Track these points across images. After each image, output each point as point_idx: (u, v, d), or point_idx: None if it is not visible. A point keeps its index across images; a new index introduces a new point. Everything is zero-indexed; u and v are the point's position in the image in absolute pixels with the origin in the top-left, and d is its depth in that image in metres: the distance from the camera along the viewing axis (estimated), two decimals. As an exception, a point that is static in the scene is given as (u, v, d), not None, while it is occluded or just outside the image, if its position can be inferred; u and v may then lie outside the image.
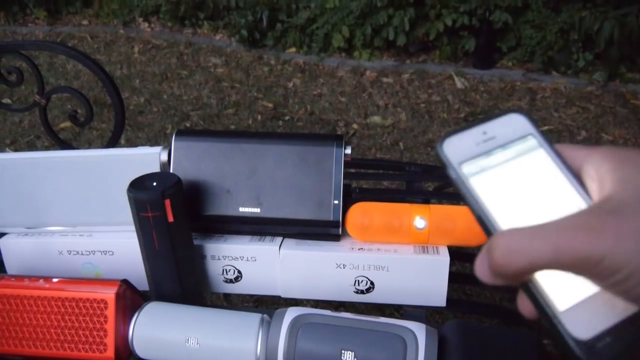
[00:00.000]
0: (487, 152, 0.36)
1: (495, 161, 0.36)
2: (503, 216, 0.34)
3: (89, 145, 2.68)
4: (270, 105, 3.12)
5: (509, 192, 0.35)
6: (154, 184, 0.63)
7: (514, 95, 3.12)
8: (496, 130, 0.37)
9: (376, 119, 2.92)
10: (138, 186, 0.63)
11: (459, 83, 3.29)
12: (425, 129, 2.81)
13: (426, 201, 0.92)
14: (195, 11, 4.29)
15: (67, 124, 0.99)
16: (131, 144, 2.70)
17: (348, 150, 0.73)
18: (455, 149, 0.36)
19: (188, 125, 2.91)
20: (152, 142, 2.72)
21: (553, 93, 3.12)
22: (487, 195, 0.35)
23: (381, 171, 1.08)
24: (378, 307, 0.75)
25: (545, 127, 2.77)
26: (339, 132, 2.80)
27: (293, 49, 3.84)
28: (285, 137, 0.74)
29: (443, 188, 1.02)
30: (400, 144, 2.67)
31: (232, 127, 2.89)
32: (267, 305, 1.54)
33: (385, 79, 3.39)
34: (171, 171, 0.73)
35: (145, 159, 0.74)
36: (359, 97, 3.19)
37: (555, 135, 2.69)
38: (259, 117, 2.99)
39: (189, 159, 0.73)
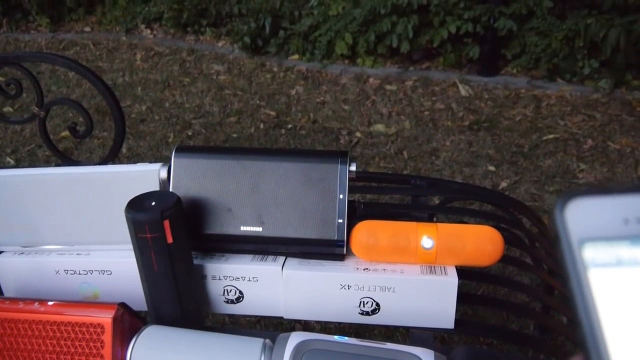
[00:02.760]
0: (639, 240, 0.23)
1: None
2: (627, 350, 0.21)
3: (90, 154, 2.67)
4: (273, 113, 3.10)
5: None
6: (153, 203, 0.61)
7: (519, 103, 3.10)
8: None
9: (380, 127, 2.90)
10: (136, 206, 0.61)
11: (463, 90, 3.27)
12: (430, 137, 2.78)
13: (432, 216, 0.90)
14: (198, 18, 4.28)
15: (69, 132, 0.99)
16: (132, 152, 2.68)
17: (353, 167, 0.71)
18: (584, 217, 0.23)
19: (190, 133, 2.89)
20: (154, 151, 2.70)
21: (558, 101, 3.10)
22: (612, 313, 0.22)
23: (386, 185, 1.06)
24: (384, 327, 0.73)
25: (551, 136, 2.74)
26: (341, 141, 2.78)
27: (296, 56, 3.82)
28: (288, 153, 0.72)
29: (448, 202, 1.00)
30: (404, 152, 2.65)
31: (235, 135, 2.87)
32: (270, 320, 1.52)
33: (388, 87, 3.37)
34: (171, 189, 0.71)
35: (145, 176, 0.72)
36: (362, 104, 3.17)
37: (561, 143, 2.66)
38: (262, 126, 2.97)
39: (189, 176, 0.71)
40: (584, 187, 2.56)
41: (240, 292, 0.71)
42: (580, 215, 0.23)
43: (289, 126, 2.96)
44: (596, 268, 0.22)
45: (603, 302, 0.22)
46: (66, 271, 0.73)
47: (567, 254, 0.23)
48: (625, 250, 0.22)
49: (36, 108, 1.05)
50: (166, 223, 0.60)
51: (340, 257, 0.71)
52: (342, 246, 0.70)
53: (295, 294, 0.70)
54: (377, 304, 0.69)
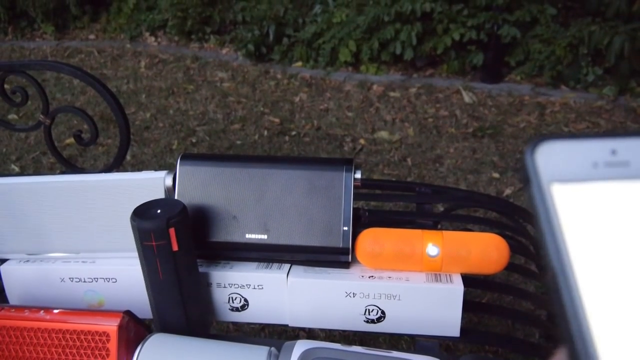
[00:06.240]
0: (606, 181, 0.24)
1: (617, 198, 0.23)
2: (599, 294, 0.21)
3: (95, 161, 2.67)
4: (277, 120, 3.11)
5: (625, 256, 0.22)
6: (158, 211, 0.62)
7: (523, 110, 3.10)
8: (635, 153, 0.24)
9: (383, 134, 2.90)
10: (142, 214, 0.61)
11: (467, 97, 3.27)
12: (433, 144, 2.78)
13: (437, 223, 0.90)
14: (202, 25, 4.29)
15: (74, 140, 1.00)
16: (137, 160, 2.68)
17: (358, 175, 0.71)
18: (554, 160, 0.24)
19: (194, 140, 2.90)
20: (158, 158, 2.71)
21: (562, 108, 3.09)
22: (580, 247, 0.22)
23: (390, 192, 1.06)
24: (389, 335, 0.73)
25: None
26: (345, 148, 2.78)
27: (299, 63, 3.83)
28: (293, 161, 0.72)
29: (453, 210, 1.00)
30: (408, 160, 2.65)
31: (238, 142, 2.87)
32: (274, 328, 1.52)
33: (392, 94, 3.37)
34: (176, 196, 0.71)
35: (150, 183, 0.72)
36: (366, 111, 3.17)
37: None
38: (265, 133, 2.97)
39: (194, 184, 0.71)
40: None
41: (246, 300, 0.71)
42: (551, 158, 0.24)
43: (293, 133, 2.96)
44: (567, 208, 0.23)
45: (574, 241, 0.22)
46: (71, 279, 0.73)
47: (536, 195, 0.23)
48: (597, 190, 0.23)
49: (42, 116, 1.05)
50: (172, 231, 0.60)
51: (346, 265, 0.71)
52: (347, 254, 0.70)
53: (300, 301, 0.70)
54: (383, 312, 0.69)
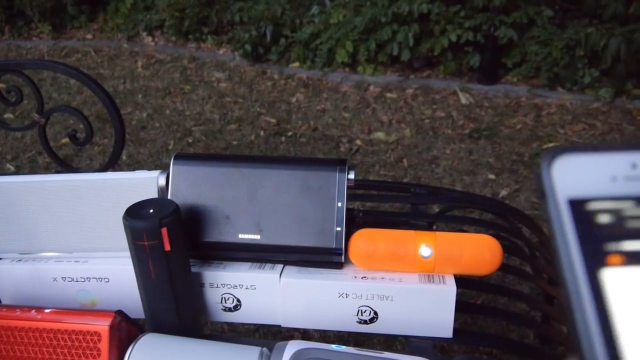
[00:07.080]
0: (627, 198, 0.22)
1: (637, 214, 0.22)
2: (616, 313, 0.20)
3: (90, 161, 2.67)
4: (274, 120, 3.10)
5: None
6: (151, 211, 0.61)
7: (520, 111, 3.10)
8: None
9: (380, 135, 2.90)
10: (134, 214, 0.61)
11: (464, 99, 3.27)
12: (430, 145, 2.78)
13: (431, 224, 0.90)
14: (199, 26, 4.29)
15: (69, 139, 1.00)
16: (133, 160, 2.68)
17: (351, 175, 0.71)
18: (570, 174, 0.23)
19: (190, 140, 2.90)
20: (154, 159, 2.70)
21: (559, 109, 3.10)
22: (597, 264, 0.21)
23: (386, 193, 1.06)
24: (384, 336, 0.73)
25: (552, 144, 2.74)
26: (342, 149, 2.78)
27: (296, 64, 3.83)
28: (286, 161, 0.72)
29: (448, 211, 1.00)
30: (404, 160, 2.65)
31: (235, 143, 2.87)
32: (269, 329, 1.52)
33: (389, 94, 3.37)
34: (169, 196, 0.71)
35: (143, 183, 0.72)
36: (362, 112, 3.17)
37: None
38: (262, 133, 2.97)
39: (187, 184, 0.71)
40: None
41: (238, 300, 0.71)
42: (567, 172, 0.23)
43: (289, 134, 2.96)
44: None
45: (587, 256, 0.21)
46: (64, 278, 0.73)
47: (553, 212, 0.22)
48: (617, 208, 0.22)
49: (36, 115, 1.05)
50: (164, 231, 0.60)
51: (339, 266, 0.71)
52: (340, 254, 0.69)
53: (293, 302, 0.70)
54: (375, 313, 0.69)
